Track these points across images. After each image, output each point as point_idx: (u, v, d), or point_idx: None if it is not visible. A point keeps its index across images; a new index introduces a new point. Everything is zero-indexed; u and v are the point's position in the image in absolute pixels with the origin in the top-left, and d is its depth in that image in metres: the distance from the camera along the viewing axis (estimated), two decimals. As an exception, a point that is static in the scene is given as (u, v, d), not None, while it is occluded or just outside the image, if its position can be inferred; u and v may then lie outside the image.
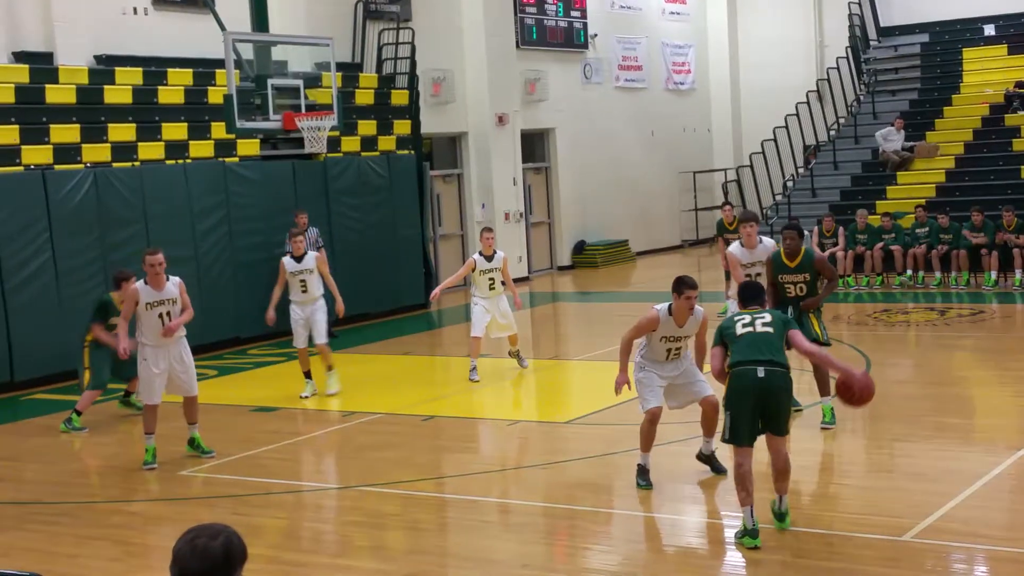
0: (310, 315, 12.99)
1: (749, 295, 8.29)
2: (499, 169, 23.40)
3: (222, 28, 15.63)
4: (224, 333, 16.82)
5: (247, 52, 15.91)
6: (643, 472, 9.10)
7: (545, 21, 25.64)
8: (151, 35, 17.90)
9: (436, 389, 13.97)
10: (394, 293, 19.44)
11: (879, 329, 16.42)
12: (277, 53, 16.79)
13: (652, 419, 9.03)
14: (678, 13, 30.18)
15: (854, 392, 7.69)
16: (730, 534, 7.97)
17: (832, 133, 26.09)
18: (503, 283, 13.74)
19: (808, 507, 8.49)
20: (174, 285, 10.38)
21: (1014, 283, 18.87)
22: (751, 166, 26.45)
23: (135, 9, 17.89)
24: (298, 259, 12.93)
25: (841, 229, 20.23)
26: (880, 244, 20.02)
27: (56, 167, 15.30)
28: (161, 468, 10.43)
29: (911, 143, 23.68)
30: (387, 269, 19.15)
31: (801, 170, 25.69)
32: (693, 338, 9.09)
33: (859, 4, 27.88)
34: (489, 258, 13.63)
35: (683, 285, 8.70)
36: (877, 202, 22.34)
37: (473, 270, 13.63)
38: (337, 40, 18.64)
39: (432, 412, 12.38)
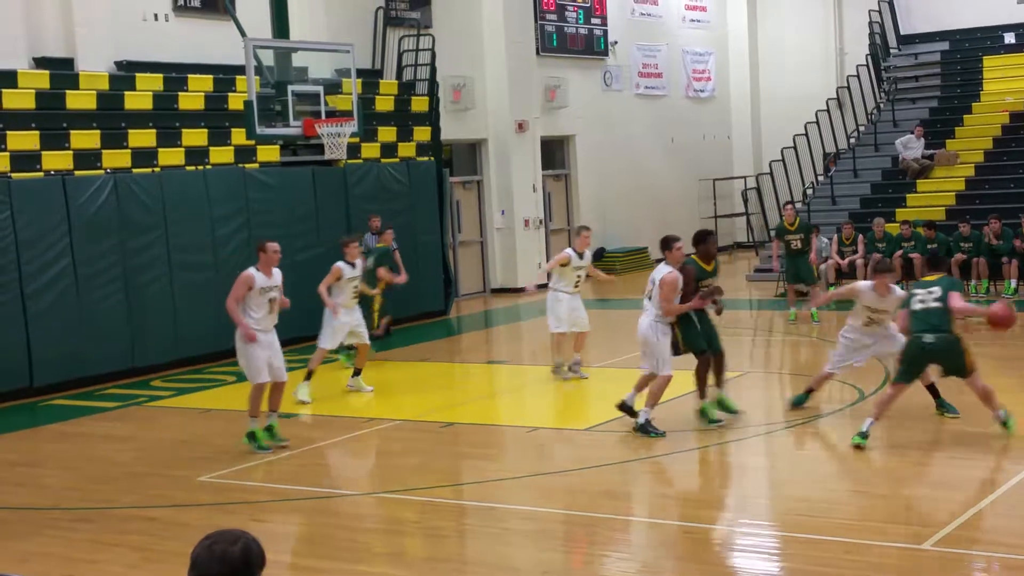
0: (356, 321, 13.46)
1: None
2: (519, 176, 23.39)
3: (242, 34, 15.65)
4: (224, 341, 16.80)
5: (267, 58, 15.91)
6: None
7: (565, 28, 25.63)
8: (171, 41, 17.97)
9: (456, 395, 13.94)
10: (414, 299, 19.41)
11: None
12: (297, 59, 16.78)
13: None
14: (698, 20, 30.13)
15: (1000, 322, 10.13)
16: (746, 542, 7.93)
17: (852, 141, 25.98)
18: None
19: (827, 515, 8.43)
20: (279, 275, 11.15)
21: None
22: (771, 173, 26.36)
23: (156, 15, 17.98)
24: (353, 264, 13.49)
25: (861, 237, 20.15)
26: (899, 252, 19.92)
27: (76, 173, 15.35)
28: (179, 474, 10.44)
29: (931, 151, 23.57)
30: (408, 275, 19.10)
31: (821, 178, 25.60)
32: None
33: (879, 12, 27.77)
34: (582, 255, 13.93)
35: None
36: (897, 210, 22.24)
37: (566, 264, 13.82)
38: (357, 47, 18.64)
39: (451, 419, 12.36)
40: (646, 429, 10.76)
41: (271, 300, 10.98)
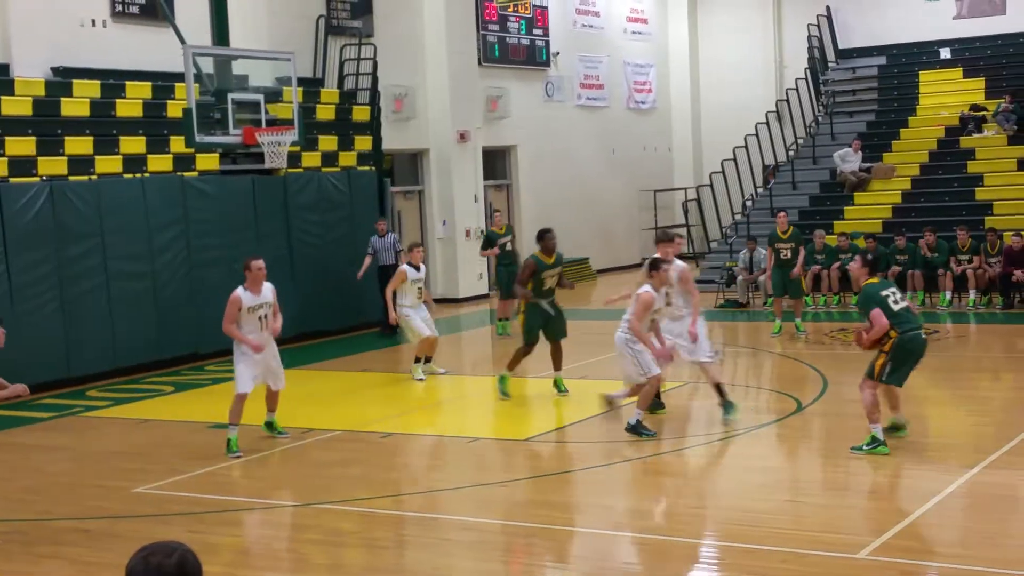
0: (425, 316, 14.60)
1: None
2: (460, 186, 23.41)
3: (182, 41, 15.54)
4: (181, 349, 16.69)
5: (207, 66, 15.82)
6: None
7: (507, 39, 25.72)
8: (109, 47, 17.78)
9: (396, 406, 13.92)
10: (353, 310, 19.36)
11: (836, 348, 16.55)
12: (238, 67, 16.71)
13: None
14: (640, 32, 30.37)
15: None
16: (683, 552, 7.99)
17: (791, 153, 26.32)
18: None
19: (763, 524, 8.52)
20: (269, 290, 11.22)
21: (968, 303, 19.12)
22: (711, 185, 26.63)
23: (93, 21, 17.77)
24: (417, 268, 14.51)
25: (800, 248, 20.35)
26: (837, 264, 20.19)
27: (11, 180, 15.14)
28: (115, 485, 10.32)
29: (868, 164, 23.94)
30: (347, 286, 19.07)
31: (760, 190, 25.89)
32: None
33: (818, 26, 28.18)
34: (418, 268, 14.75)
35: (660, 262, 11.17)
36: (835, 222, 22.54)
37: (404, 281, 14.60)
38: (298, 55, 18.61)
39: (391, 429, 12.33)
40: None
41: (261, 318, 11.11)
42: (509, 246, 19.12)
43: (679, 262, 11.97)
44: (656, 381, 11.13)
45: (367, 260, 18.67)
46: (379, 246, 18.90)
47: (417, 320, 14.53)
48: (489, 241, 19.20)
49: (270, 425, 11.84)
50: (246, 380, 11.14)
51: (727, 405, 11.60)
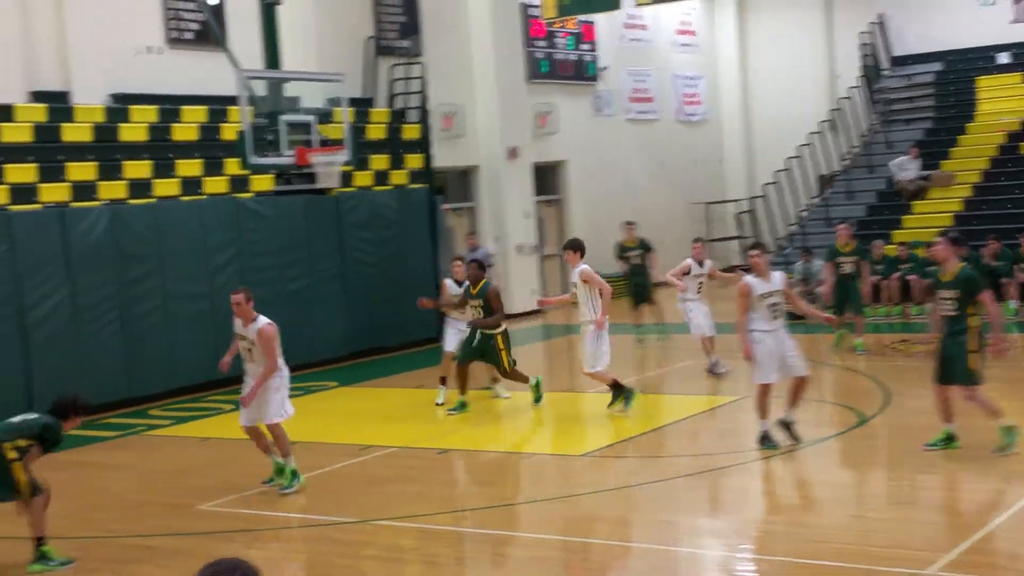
0: (459, 331, 14.17)
1: None
2: (511, 202, 23.45)
3: (235, 65, 15.71)
4: (238, 367, 16.76)
5: (260, 89, 15.97)
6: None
7: (555, 55, 25.75)
8: (166, 73, 18.03)
9: (451, 422, 13.93)
10: (406, 327, 19.42)
11: (897, 359, 16.34)
12: (289, 89, 16.85)
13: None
14: (689, 45, 30.28)
15: None
16: (746, 568, 7.91)
17: (846, 163, 26.08)
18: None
19: (828, 540, 8.41)
20: (254, 328, 10.42)
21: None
22: (765, 197, 26.45)
23: (149, 48, 18.03)
24: (459, 282, 14.21)
25: (864, 263, 20.10)
26: (897, 274, 19.95)
27: (73, 204, 15.38)
28: (178, 503, 10.42)
29: (926, 172, 23.66)
30: (399, 303, 19.15)
31: (815, 200, 25.67)
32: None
33: (871, 34, 27.94)
34: (700, 263, 15.51)
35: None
36: (893, 232, 22.29)
37: (687, 274, 15.43)
38: (349, 76, 18.74)
39: (448, 445, 12.34)
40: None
41: (247, 349, 10.59)
42: (640, 260, 19.17)
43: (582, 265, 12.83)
44: (761, 390, 10.99)
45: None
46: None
47: (448, 335, 14.38)
48: (622, 251, 19.54)
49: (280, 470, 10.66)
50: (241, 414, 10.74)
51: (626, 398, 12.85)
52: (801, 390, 11.08)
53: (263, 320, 10.44)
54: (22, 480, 8.69)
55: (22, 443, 8.74)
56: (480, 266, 13.90)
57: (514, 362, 13.75)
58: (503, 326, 13.65)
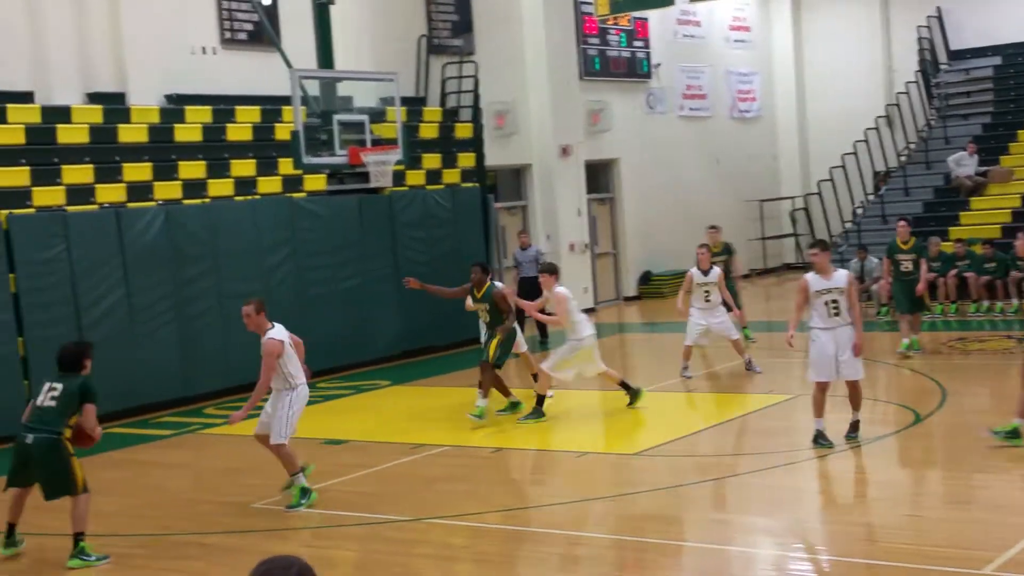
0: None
1: None
2: (563, 200, 23.41)
3: (288, 66, 15.82)
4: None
5: (313, 88, 16.07)
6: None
7: (608, 52, 25.67)
8: (219, 74, 18.20)
9: (503, 421, 13.93)
10: (459, 326, 19.43)
11: (954, 358, 16.11)
12: (342, 89, 16.94)
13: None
14: (743, 41, 30.06)
15: None
16: (800, 567, 7.83)
17: (902, 159, 25.76)
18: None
19: (884, 540, 8.31)
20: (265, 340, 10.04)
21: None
22: (819, 193, 26.18)
23: (204, 49, 18.22)
24: (705, 272, 14.93)
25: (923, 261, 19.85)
26: (954, 271, 19.67)
27: (129, 205, 15.57)
28: (233, 501, 10.51)
29: (984, 168, 23.31)
30: (452, 302, 19.14)
31: (871, 197, 25.39)
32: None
33: (928, 28, 27.56)
34: (706, 272, 15.15)
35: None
36: (950, 228, 21.98)
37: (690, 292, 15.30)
38: (401, 75, 18.78)
39: (500, 444, 12.35)
40: (817, 440, 10.93)
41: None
42: (724, 264, 17.57)
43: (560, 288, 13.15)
44: (816, 390, 11.01)
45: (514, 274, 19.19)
46: (522, 258, 19.43)
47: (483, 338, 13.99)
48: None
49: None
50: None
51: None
52: (854, 394, 10.97)
53: (270, 333, 9.99)
54: (79, 475, 8.82)
55: (72, 421, 8.88)
56: (483, 269, 13.68)
57: (499, 364, 13.30)
58: (514, 325, 13.56)
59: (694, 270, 15.30)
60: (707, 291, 15.16)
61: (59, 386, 8.98)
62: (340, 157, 16.17)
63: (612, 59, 25.77)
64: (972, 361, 15.91)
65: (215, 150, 17.13)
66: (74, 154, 15.47)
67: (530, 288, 18.47)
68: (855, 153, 25.61)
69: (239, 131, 17.53)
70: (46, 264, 14.45)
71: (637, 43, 26.43)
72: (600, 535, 8.98)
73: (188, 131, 16.90)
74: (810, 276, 10.99)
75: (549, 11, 22.98)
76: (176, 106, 17.27)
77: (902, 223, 16.75)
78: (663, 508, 9.61)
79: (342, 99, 16.71)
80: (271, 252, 16.97)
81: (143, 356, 15.22)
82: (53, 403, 8.91)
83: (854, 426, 11.00)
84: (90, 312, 14.78)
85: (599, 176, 25.81)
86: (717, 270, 15.34)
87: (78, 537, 8.85)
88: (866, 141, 25.76)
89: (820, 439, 10.81)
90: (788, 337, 11.15)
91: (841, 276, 10.93)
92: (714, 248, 17.98)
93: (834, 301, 10.78)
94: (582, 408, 14.29)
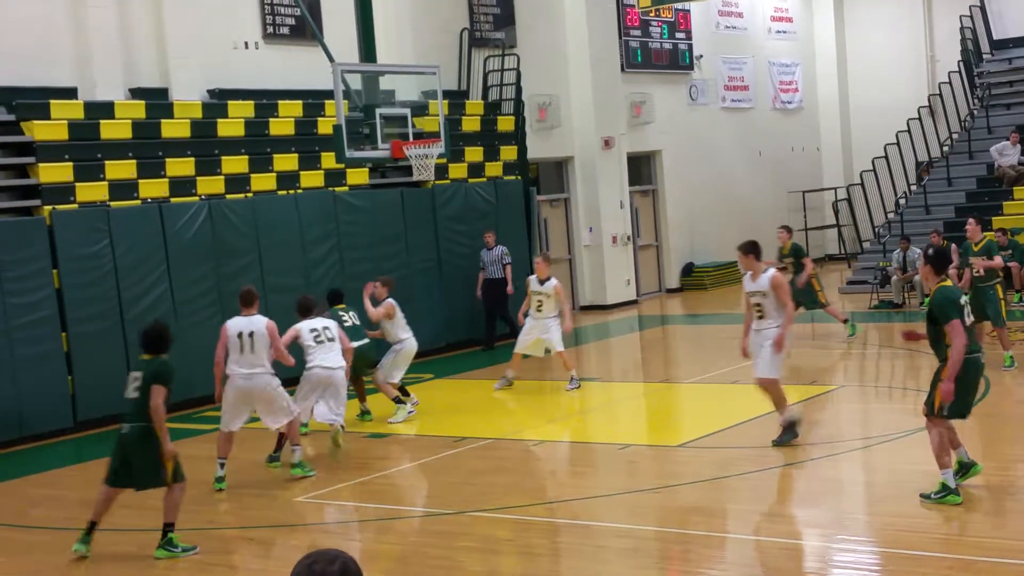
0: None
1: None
2: (606, 192, 23.37)
3: (330, 59, 15.88)
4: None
5: (355, 82, 16.13)
6: None
7: (650, 44, 25.58)
8: (262, 68, 18.31)
9: (546, 413, 13.96)
10: (501, 319, 19.48)
11: (996, 348, 15.92)
12: (384, 82, 17.01)
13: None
14: (785, 32, 29.86)
15: None
16: (844, 558, 7.80)
17: (945, 149, 25.50)
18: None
19: (927, 531, 8.26)
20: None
21: None
22: (862, 184, 25.99)
23: (246, 43, 18.34)
24: (542, 281, 14.68)
25: (954, 246, 19.66)
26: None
27: (172, 200, 15.71)
28: (277, 494, 10.60)
29: (1029, 157, 23.02)
30: (502, 295, 19.19)
31: (914, 187, 25.16)
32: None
33: (971, 17, 27.25)
34: (542, 282, 14.79)
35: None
36: (993, 218, 21.75)
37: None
38: (443, 68, 18.82)
39: (543, 437, 12.37)
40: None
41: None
42: (791, 267, 16.96)
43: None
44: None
45: (480, 276, 18.93)
46: (487, 259, 18.91)
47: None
48: (779, 258, 18.06)
49: (292, 466, 11.13)
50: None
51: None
52: (766, 394, 10.97)
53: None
54: (170, 466, 8.91)
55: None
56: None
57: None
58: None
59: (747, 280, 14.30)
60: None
61: (138, 374, 9.08)
62: (383, 151, 16.24)
63: (654, 51, 25.69)
64: (1015, 351, 15.72)
65: (258, 144, 17.24)
66: (117, 150, 15.62)
67: (497, 289, 18.54)
68: (897, 143, 25.39)
69: (282, 125, 17.63)
70: (90, 259, 14.61)
71: (679, 35, 26.33)
72: (644, 527, 8.99)
73: (231, 126, 17.02)
74: (745, 278, 10.98)
75: (591, 3, 22.93)
76: (219, 101, 17.38)
77: (972, 221, 15.03)
78: (707, 500, 9.61)
79: (384, 93, 16.77)
80: (314, 246, 17.07)
81: (187, 350, 15.28)
82: (136, 394, 8.99)
83: (783, 429, 10.81)
84: (133, 307, 14.92)
85: (641, 168, 25.75)
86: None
87: (167, 527, 8.92)
88: (908, 131, 25.53)
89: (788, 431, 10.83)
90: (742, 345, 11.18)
91: (765, 279, 10.76)
92: (784, 251, 17.35)
93: (757, 304, 10.74)
94: (624, 400, 14.27)
